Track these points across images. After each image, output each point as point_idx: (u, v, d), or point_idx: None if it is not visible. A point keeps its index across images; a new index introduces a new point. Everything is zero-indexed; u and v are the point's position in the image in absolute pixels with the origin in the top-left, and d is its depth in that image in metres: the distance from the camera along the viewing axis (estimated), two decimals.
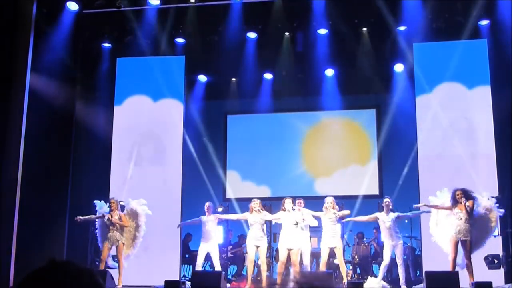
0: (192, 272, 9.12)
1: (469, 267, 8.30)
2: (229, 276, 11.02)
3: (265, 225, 9.55)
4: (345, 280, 9.03)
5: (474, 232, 8.43)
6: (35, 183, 9.69)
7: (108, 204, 9.47)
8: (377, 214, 9.24)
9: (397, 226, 9.18)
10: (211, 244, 9.44)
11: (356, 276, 10.65)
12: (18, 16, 8.98)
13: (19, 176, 8.70)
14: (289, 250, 8.88)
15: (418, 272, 10.63)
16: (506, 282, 9.20)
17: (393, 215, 9.10)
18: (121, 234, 9.27)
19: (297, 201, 9.27)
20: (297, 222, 8.90)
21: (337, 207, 9.22)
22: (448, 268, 8.42)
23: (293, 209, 8.97)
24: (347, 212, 9.40)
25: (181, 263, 11.14)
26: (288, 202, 8.99)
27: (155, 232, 10.86)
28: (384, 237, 9.23)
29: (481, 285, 7.99)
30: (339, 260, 9.20)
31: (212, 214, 9.64)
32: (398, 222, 9.23)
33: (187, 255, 11.52)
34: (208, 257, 9.72)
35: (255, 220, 9.14)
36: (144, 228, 9.59)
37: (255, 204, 9.13)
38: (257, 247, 9.13)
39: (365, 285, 9.13)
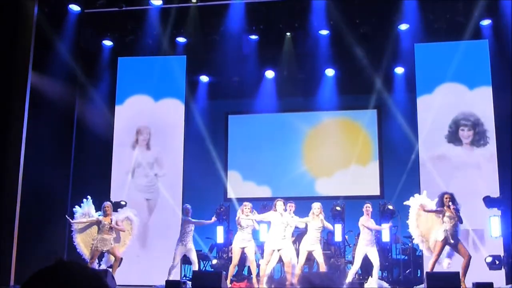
0: (193, 272, 9.12)
1: (466, 268, 8.26)
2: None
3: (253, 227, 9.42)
4: None
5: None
6: (36, 183, 9.69)
7: (103, 208, 9.37)
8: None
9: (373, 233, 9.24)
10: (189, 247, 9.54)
11: (357, 277, 10.63)
12: (19, 16, 9.00)
13: (20, 176, 8.72)
14: (278, 250, 8.90)
15: (419, 273, 10.62)
16: (507, 283, 9.19)
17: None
18: (114, 238, 9.24)
19: (288, 204, 9.17)
20: (287, 224, 8.90)
21: (322, 214, 9.14)
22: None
23: (285, 210, 8.99)
24: (330, 226, 9.35)
25: (182, 263, 11.13)
26: (279, 204, 8.99)
27: (156, 232, 10.86)
28: (365, 240, 9.12)
29: (482, 285, 7.99)
30: (319, 262, 9.05)
31: (191, 217, 9.66)
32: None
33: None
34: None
35: (245, 223, 9.18)
36: (134, 233, 9.62)
37: (246, 209, 9.18)
38: (242, 248, 9.13)
39: (365, 285, 9.12)
